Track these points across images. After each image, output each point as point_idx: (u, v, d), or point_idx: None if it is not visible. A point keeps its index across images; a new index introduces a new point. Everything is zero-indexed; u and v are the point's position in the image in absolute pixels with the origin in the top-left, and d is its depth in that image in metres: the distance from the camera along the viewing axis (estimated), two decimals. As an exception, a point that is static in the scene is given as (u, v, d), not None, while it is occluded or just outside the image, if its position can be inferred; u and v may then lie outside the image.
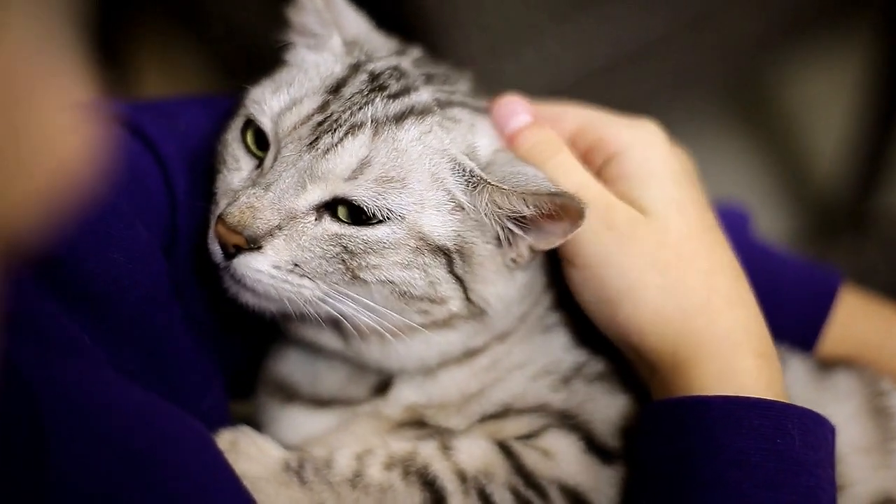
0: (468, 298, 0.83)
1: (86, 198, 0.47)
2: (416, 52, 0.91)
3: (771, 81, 2.37)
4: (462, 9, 1.75)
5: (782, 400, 0.80)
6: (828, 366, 0.96)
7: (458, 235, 0.81)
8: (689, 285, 0.81)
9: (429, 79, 0.87)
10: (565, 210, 0.79)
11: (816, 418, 0.80)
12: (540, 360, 0.88)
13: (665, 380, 0.81)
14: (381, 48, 0.90)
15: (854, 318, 1.00)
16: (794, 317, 0.98)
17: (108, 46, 2.04)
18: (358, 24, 0.91)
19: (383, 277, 0.80)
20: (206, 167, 0.87)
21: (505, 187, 0.80)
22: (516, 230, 0.82)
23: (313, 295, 0.80)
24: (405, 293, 0.81)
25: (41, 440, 0.64)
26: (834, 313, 0.99)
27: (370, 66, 0.85)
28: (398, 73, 0.85)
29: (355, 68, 0.85)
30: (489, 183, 0.80)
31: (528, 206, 0.80)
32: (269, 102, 0.83)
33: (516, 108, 0.88)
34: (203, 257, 0.84)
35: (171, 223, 0.85)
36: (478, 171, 0.81)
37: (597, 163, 0.86)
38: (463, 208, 0.81)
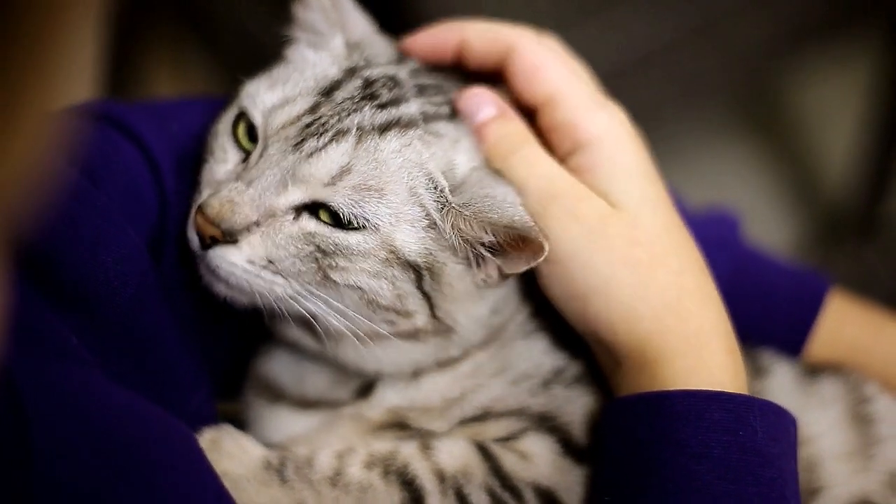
0: (435, 315, 0.83)
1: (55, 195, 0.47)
2: (414, 62, 0.90)
3: (779, 88, 2.37)
4: (463, 13, 1.75)
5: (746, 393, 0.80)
6: (814, 371, 0.96)
7: (430, 253, 0.81)
8: (659, 283, 0.80)
9: (421, 90, 0.86)
10: (525, 242, 0.79)
11: (778, 410, 0.80)
12: (521, 365, 0.88)
13: (631, 376, 0.81)
14: (382, 53, 0.90)
15: (843, 323, 1.00)
16: (782, 321, 0.99)
17: (119, 48, 2.05)
18: (363, 26, 0.91)
19: (351, 282, 0.80)
20: (198, 166, 0.87)
21: (467, 213, 0.79)
22: (485, 253, 0.81)
23: (285, 293, 0.81)
24: (372, 301, 0.81)
25: (26, 440, 0.64)
26: (822, 317, 0.99)
27: (366, 73, 0.86)
28: (392, 82, 0.85)
29: (351, 73, 0.86)
30: (453, 206, 0.80)
31: (488, 234, 0.80)
32: (262, 97, 0.84)
33: (482, 100, 0.85)
34: (191, 256, 0.84)
35: (160, 224, 0.86)
36: (446, 192, 0.81)
37: (564, 146, 0.84)
38: (436, 226, 0.81)
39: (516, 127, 0.84)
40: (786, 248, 2.06)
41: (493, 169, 0.83)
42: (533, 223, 0.79)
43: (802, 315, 0.99)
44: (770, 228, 2.15)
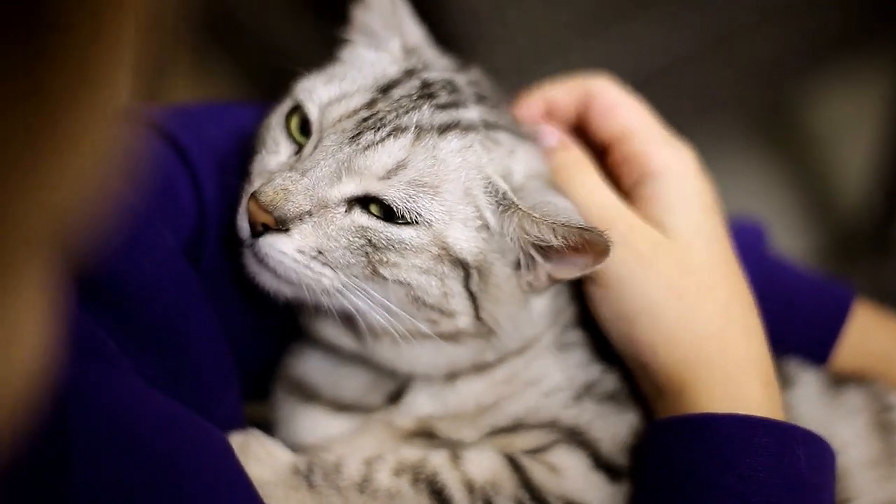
0: (478, 317, 0.83)
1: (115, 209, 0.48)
2: (474, 73, 0.92)
3: (795, 103, 2.37)
4: (487, 23, 1.76)
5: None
6: (839, 381, 0.96)
7: (480, 253, 0.82)
8: (706, 313, 0.82)
9: (480, 99, 0.87)
10: (591, 245, 0.80)
11: (820, 442, 0.82)
12: (555, 377, 0.88)
13: (671, 400, 0.82)
14: (438, 62, 0.91)
15: (868, 332, 1.00)
16: (807, 331, 0.99)
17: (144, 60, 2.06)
18: (418, 35, 0.93)
19: (401, 277, 0.81)
20: (236, 172, 0.88)
21: (536, 215, 0.80)
22: (538, 257, 0.83)
23: (332, 285, 0.81)
24: (418, 298, 0.82)
25: (66, 443, 0.65)
26: (847, 327, 1.00)
27: (424, 75, 0.87)
28: (451, 86, 0.86)
29: (409, 73, 0.87)
30: (520, 208, 0.81)
31: (556, 237, 0.81)
32: (318, 91, 0.85)
33: (545, 133, 0.89)
34: (228, 261, 0.85)
35: (198, 228, 0.86)
36: (510, 195, 0.82)
37: (632, 176, 0.87)
38: (489, 228, 0.82)
39: (576, 155, 0.88)
40: (802, 260, 2.06)
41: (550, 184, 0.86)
42: (601, 229, 0.80)
43: (828, 324, 1.00)
44: (785, 243, 2.14)
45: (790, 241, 2.17)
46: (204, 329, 0.84)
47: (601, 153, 0.91)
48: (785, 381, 0.95)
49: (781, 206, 2.27)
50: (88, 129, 0.39)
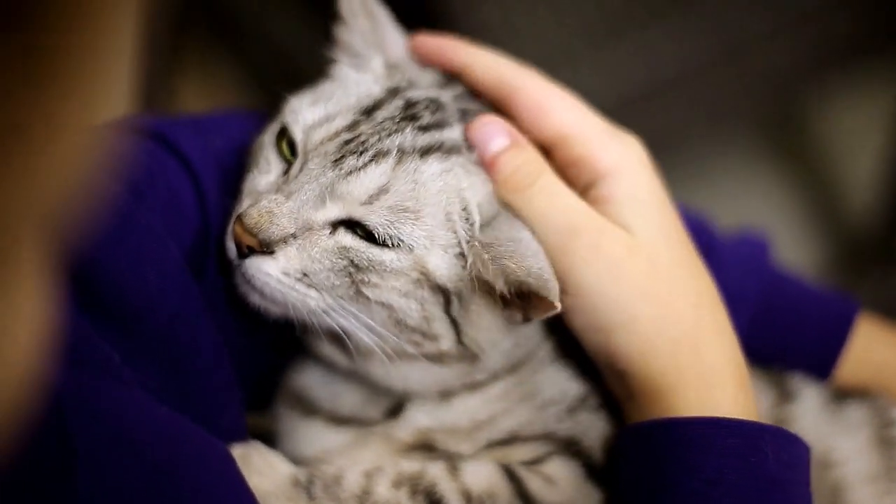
0: (461, 341, 0.83)
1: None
2: (458, 87, 0.89)
3: (805, 114, 2.36)
4: (496, 33, 1.76)
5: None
6: (841, 396, 0.96)
7: (460, 280, 0.81)
8: (677, 316, 0.81)
9: (463, 115, 0.86)
10: (537, 297, 0.79)
11: (790, 437, 0.81)
12: (548, 391, 0.88)
13: (643, 406, 0.81)
14: (424, 76, 0.90)
15: (872, 345, 1.00)
16: (811, 343, 0.99)
17: (151, 63, 2.06)
18: (402, 46, 0.92)
19: (382, 299, 0.80)
20: (240, 178, 0.88)
21: (485, 256, 0.79)
22: (505, 294, 0.80)
23: (317, 306, 0.81)
24: (400, 321, 0.81)
25: (68, 455, 0.64)
26: (851, 340, 0.99)
27: (408, 94, 0.86)
28: (434, 105, 0.85)
29: (393, 93, 0.86)
30: (475, 244, 0.80)
31: (500, 282, 0.79)
32: (303, 113, 0.84)
33: (494, 130, 0.84)
34: (228, 265, 0.85)
35: (202, 240, 0.86)
36: (476, 228, 0.81)
37: (581, 180, 0.84)
38: (464, 255, 0.81)
39: (531, 156, 0.83)
40: (811, 271, 2.06)
41: (506, 201, 0.83)
42: (548, 277, 0.78)
43: (832, 338, 0.99)
44: (794, 253, 2.14)
45: (798, 250, 2.17)
46: (207, 341, 0.83)
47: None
48: (787, 394, 0.95)
49: (790, 216, 2.26)
50: (72, 123, 0.39)
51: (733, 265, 0.95)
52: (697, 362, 0.80)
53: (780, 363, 0.96)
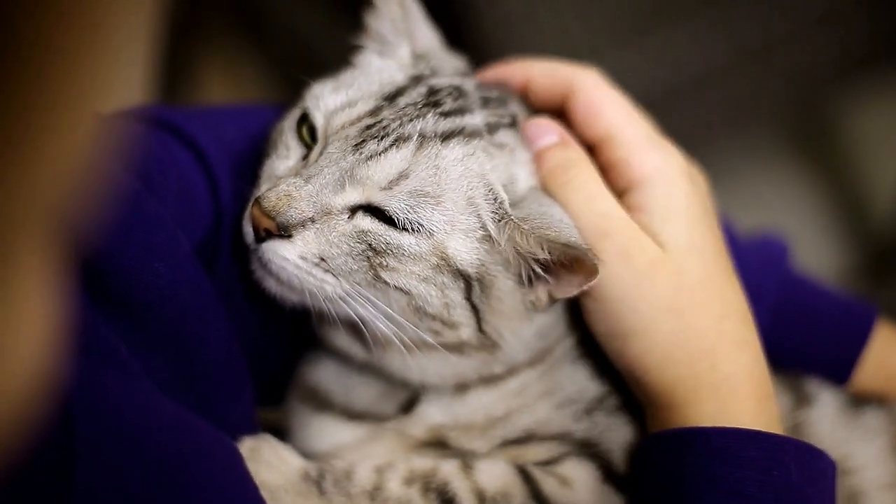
0: (481, 329, 0.83)
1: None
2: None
3: (831, 115, 2.35)
4: (521, 31, 1.75)
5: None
6: (859, 402, 0.95)
7: (482, 265, 0.81)
8: (699, 330, 0.80)
9: (485, 102, 0.87)
10: (579, 263, 0.79)
11: (813, 451, 0.80)
12: (566, 389, 0.88)
13: (660, 415, 0.81)
14: (448, 66, 0.90)
15: (890, 351, 0.99)
16: (829, 348, 0.98)
17: (174, 53, 2.07)
18: (430, 38, 0.92)
19: (401, 284, 0.80)
20: (252, 175, 0.87)
21: (525, 227, 0.79)
22: (537, 269, 0.81)
23: (334, 292, 0.80)
24: (419, 308, 0.81)
25: (71, 450, 0.64)
26: (869, 346, 0.98)
27: (431, 81, 0.86)
28: (457, 92, 0.86)
29: (416, 80, 0.86)
30: (512, 218, 0.80)
31: (543, 251, 0.79)
32: (325, 99, 0.84)
33: (545, 128, 0.86)
34: (241, 266, 0.85)
35: (214, 231, 0.86)
36: (506, 205, 0.81)
37: (619, 183, 0.84)
38: (492, 239, 0.81)
39: (576, 154, 0.84)
40: (833, 276, 2.04)
41: (549, 194, 0.83)
42: (589, 246, 0.78)
43: (850, 343, 0.99)
44: (814, 257, 2.13)
45: (822, 253, 2.15)
46: (217, 333, 0.83)
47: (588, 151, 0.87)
48: (803, 399, 0.94)
49: (812, 219, 2.25)
50: (77, 111, 0.38)
51: (752, 267, 0.94)
52: (715, 375, 0.80)
53: (797, 366, 0.95)
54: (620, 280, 0.80)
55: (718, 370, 0.80)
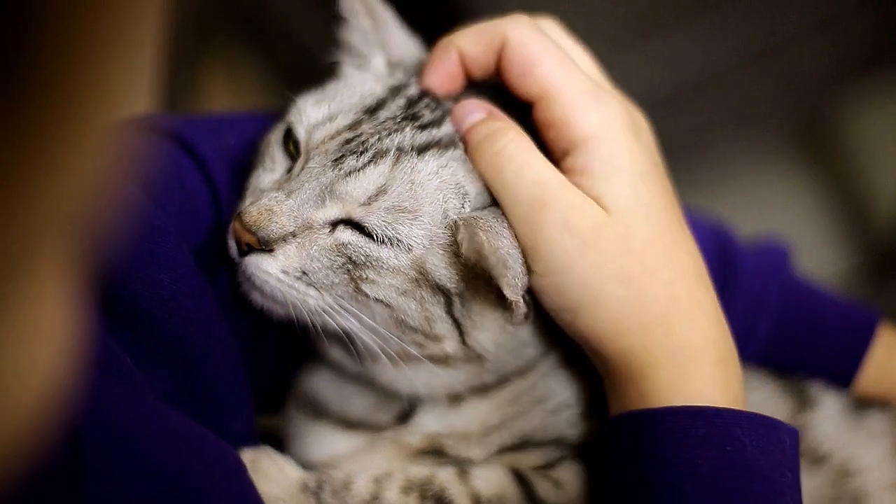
0: (465, 342, 0.82)
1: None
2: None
3: (833, 118, 2.35)
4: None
5: (737, 405, 0.77)
6: (862, 405, 0.95)
7: (462, 280, 0.79)
8: (650, 296, 0.77)
9: None
10: (496, 287, 0.77)
11: (769, 422, 0.77)
12: (561, 395, 0.87)
13: (619, 388, 0.79)
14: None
15: (893, 356, 0.99)
16: (832, 352, 0.97)
17: (177, 61, 2.07)
18: (407, 46, 0.91)
19: (380, 296, 0.79)
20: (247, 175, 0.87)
21: (463, 230, 0.77)
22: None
23: (318, 305, 0.80)
24: (401, 321, 0.80)
25: (78, 458, 0.64)
26: (872, 349, 0.98)
27: (410, 91, 0.85)
28: (435, 102, 0.84)
29: (395, 91, 0.85)
30: (458, 220, 0.78)
31: (473, 256, 0.77)
32: (307, 113, 0.84)
33: (470, 108, 0.82)
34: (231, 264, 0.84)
35: (216, 241, 0.86)
36: (466, 207, 0.79)
37: (559, 145, 0.80)
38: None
39: (504, 124, 0.80)
40: (836, 279, 2.04)
41: (480, 170, 0.80)
42: (512, 265, 0.76)
43: (853, 347, 0.98)
44: (820, 258, 2.13)
45: (824, 256, 2.15)
46: (220, 345, 0.83)
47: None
48: (806, 403, 0.94)
49: (816, 221, 2.25)
50: (88, 122, 0.38)
51: (754, 274, 0.94)
52: (668, 342, 0.76)
53: (800, 371, 0.95)
54: (563, 252, 0.76)
55: (672, 337, 0.77)
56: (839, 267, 2.15)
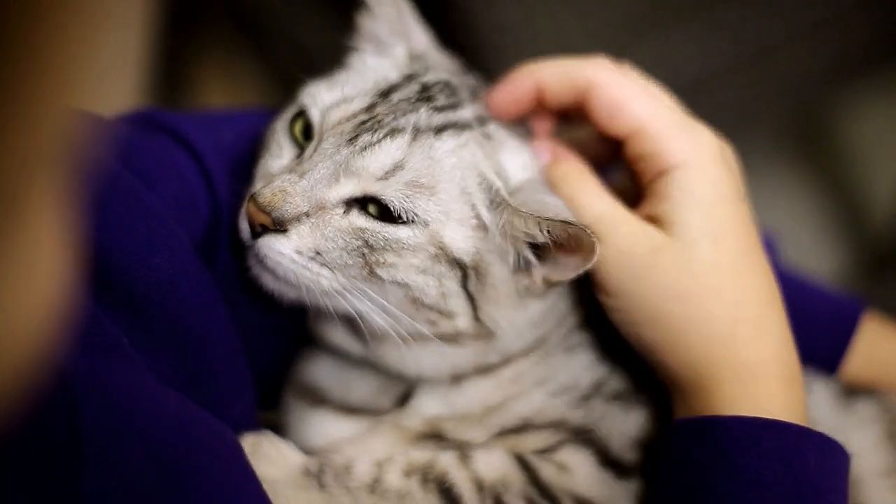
0: (477, 318, 0.83)
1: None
2: (472, 78, 0.92)
3: (830, 117, 2.35)
4: (518, 36, 1.75)
5: (801, 424, 0.80)
6: (851, 392, 0.96)
7: (477, 252, 0.82)
8: (712, 315, 0.80)
9: (476, 98, 0.88)
10: (577, 241, 0.80)
11: (833, 445, 0.80)
12: (561, 377, 0.89)
13: (685, 399, 0.82)
14: (443, 67, 0.92)
15: (878, 342, 1.01)
16: (817, 342, 0.99)
17: (173, 58, 2.07)
18: (424, 40, 0.93)
19: (398, 278, 0.81)
20: (251, 166, 0.89)
21: (523, 210, 0.80)
22: (532, 258, 0.82)
23: (330, 286, 0.81)
24: (417, 299, 0.82)
25: (78, 440, 0.65)
26: (857, 339, 0.99)
27: (424, 78, 0.87)
28: (449, 88, 0.87)
29: (409, 78, 0.87)
30: (509, 204, 0.81)
31: (541, 232, 0.80)
32: (321, 96, 0.85)
33: (539, 150, 0.88)
34: (238, 264, 0.85)
35: (212, 229, 0.87)
36: (502, 192, 0.82)
37: (648, 174, 0.84)
38: (486, 227, 0.82)
39: (570, 167, 0.86)
40: (832, 276, 2.05)
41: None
42: (586, 225, 0.79)
43: (838, 336, 1.00)
44: (817, 256, 2.13)
45: (821, 254, 2.16)
46: (218, 329, 0.84)
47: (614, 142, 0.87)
48: None
49: (813, 220, 2.25)
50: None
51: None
52: (731, 359, 0.80)
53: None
54: (622, 275, 0.81)
55: (738, 355, 0.80)
56: (835, 265, 2.16)
